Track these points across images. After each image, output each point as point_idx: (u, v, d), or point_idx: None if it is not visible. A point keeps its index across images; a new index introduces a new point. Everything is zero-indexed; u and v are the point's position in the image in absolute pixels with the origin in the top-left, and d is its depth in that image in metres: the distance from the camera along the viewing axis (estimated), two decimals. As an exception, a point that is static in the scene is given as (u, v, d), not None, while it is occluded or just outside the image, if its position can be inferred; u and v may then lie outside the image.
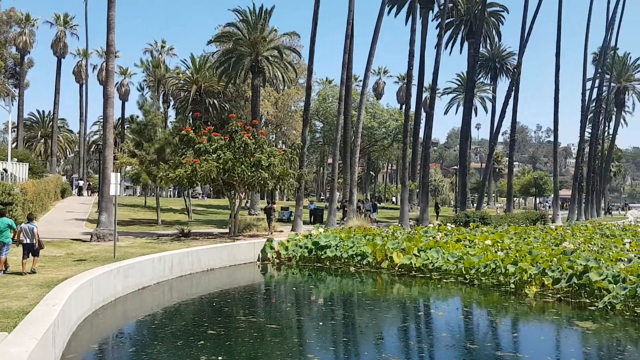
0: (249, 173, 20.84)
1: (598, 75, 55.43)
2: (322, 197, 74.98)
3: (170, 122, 54.89)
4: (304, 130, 29.29)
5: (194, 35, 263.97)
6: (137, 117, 30.76)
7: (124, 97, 70.04)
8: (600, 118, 59.33)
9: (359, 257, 19.14)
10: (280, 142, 60.41)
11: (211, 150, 21.19)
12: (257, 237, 22.00)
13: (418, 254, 18.24)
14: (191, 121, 41.42)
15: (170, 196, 62.73)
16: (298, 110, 53.21)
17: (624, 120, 70.33)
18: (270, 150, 22.15)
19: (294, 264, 19.86)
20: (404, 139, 35.62)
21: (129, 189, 68.74)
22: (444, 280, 16.72)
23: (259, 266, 19.86)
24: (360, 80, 51.46)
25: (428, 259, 17.83)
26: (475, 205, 46.20)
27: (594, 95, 55.17)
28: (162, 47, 64.59)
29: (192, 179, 21.14)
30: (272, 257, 20.25)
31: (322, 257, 19.75)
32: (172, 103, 57.25)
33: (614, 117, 67.13)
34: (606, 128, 66.38)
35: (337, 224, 28.51)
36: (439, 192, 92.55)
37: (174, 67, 58.33)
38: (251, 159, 21.00)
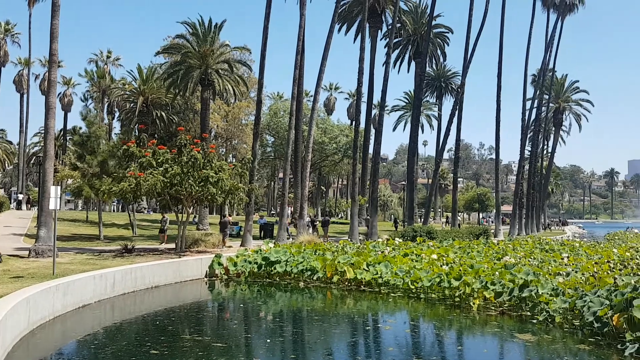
0: (197, 188, 20.50)
1: (537, 95, 58.30)
2: (272, 212, 74.62)
3: (115, 134, 53.43)
4: (254, 144, 29.17)
5: (141, 46, 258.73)
6: (80, 128, 29.83)
7: (66, 108, 67.66)
8: (540, 137, 62.27)
9: (309, 272, 19.10)
10: (231, 155, 59.89)
11: (156, 164, 20.72)
12: (205, 253, 21.59)
13: (367, 269, 18.41)
14: (137, 133, 40.45)
15: (113, 210, 60.75)
16: (249, 123, 53.00)
17: (562, 139, 74.29)
18: (219, 165, 21.89)
19: (243, 280, 19.58)
20: (353, 154, 36.11)
21: (70, 203, 66.15)
22: (392, 294, 16.93)
23: (206, 283, 19.46)
24: (311, 96, 51.91)
25: (377, 273, 18.03)
26: (422, 219, 47.22)
27: (534, 115, 57.91)
28: (108, 57, 62.90)
29: (137, 193, 20.58)
30: (221, 273, 19.91)
31: (272, 272, 19.59)
32: (117, 115, 55.79)
33: (552, 136, 70.63)
34: (545, 146, 69.76)
35: (288, 238, 28.42)
36: (387, 207, 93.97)
37: (119, 77, 56.95)
38: (200, 174, 20.67)
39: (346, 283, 18.23)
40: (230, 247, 24.65)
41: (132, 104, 47.66)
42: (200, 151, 21.38)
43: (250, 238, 26.60)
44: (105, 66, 61.05)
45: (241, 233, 29.84)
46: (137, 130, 43.59)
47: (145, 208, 60.92)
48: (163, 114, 45.86)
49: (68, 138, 57.00)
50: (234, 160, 50.03)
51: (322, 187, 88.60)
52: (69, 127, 61.02)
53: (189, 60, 36.51)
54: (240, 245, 25.22)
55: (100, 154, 25.75)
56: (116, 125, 57.23)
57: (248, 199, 25.13)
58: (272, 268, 19.62)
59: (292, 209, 38.80)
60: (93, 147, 26.08)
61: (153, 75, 45.59)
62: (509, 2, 48.00)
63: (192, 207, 24.36)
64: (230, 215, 28.55)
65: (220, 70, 37.55)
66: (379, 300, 16.66)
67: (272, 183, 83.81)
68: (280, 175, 63.55)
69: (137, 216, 35.69)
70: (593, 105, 70.99)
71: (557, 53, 59.52)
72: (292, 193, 43.32)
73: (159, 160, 20.92)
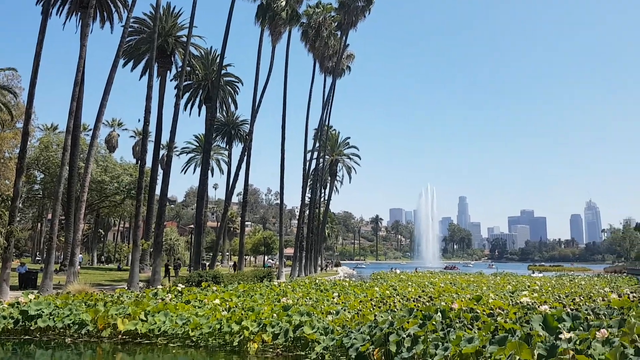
0: (-64, 230, 17.13)
1: (316, 148, 63.81)
2: (38, 258, 65.92)
3: None
4: (17, 180, 25.64)
5: None
6: None
7: None
8: (318, 185, 67.84)
9: (77, 326, 17.21)
10: (-13, 193, 51.52)
11: None
12: (-58, 310, 17.88)
13: (145, 319, 17.36)
14: None
15: None
16: (13, 157, 46.54)
17: (336, 188, 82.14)
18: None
19: (-7, 339, 16.68)
20: (137, 195, 34.31)
21: None
22: (171, 345, 16.23)
23: (-59, 346, 16.06)
24: (90, 129, 48.24)
25: (155, 323, 17.11)
26: (208, 264, 46.76)
27: (314, 165, 63.08)
28: None
29: None
30: (-38, 332, 16.67)
31: (32, 328, 17.12)
32: None
33: (328, 184, 77.64)
34: (322, 194, 76.24)
35: (54, 288, 25.30)
36: (174, 252, 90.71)
37: None
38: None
39: (120, 336, 16.88)
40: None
41: None
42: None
43: (7, 289, 23.00)
44: None
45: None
46: None
47: None
48: None
49: None
50: (-9, 198, 43.14)
51: (101, 230, 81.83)
52: None
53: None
54: (-8, 299, 21.56)
55: None
56: None
57: (6, 242, 21.86)
58: (32, 323, 17.17)
59: (63, 254, 34.85)
60: None
61: None
62: (297, 62, 52.16)
63: None
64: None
65: (-22, 95, 32.58)
66: (155, 352, 15.79)
67: (40, 225, 74.29)
68: (50, 216, 56.83)
69: None
70: (360, 159, 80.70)
71: (331, 111, 66.41)
72: (64, 237, 39.08)
73: None
